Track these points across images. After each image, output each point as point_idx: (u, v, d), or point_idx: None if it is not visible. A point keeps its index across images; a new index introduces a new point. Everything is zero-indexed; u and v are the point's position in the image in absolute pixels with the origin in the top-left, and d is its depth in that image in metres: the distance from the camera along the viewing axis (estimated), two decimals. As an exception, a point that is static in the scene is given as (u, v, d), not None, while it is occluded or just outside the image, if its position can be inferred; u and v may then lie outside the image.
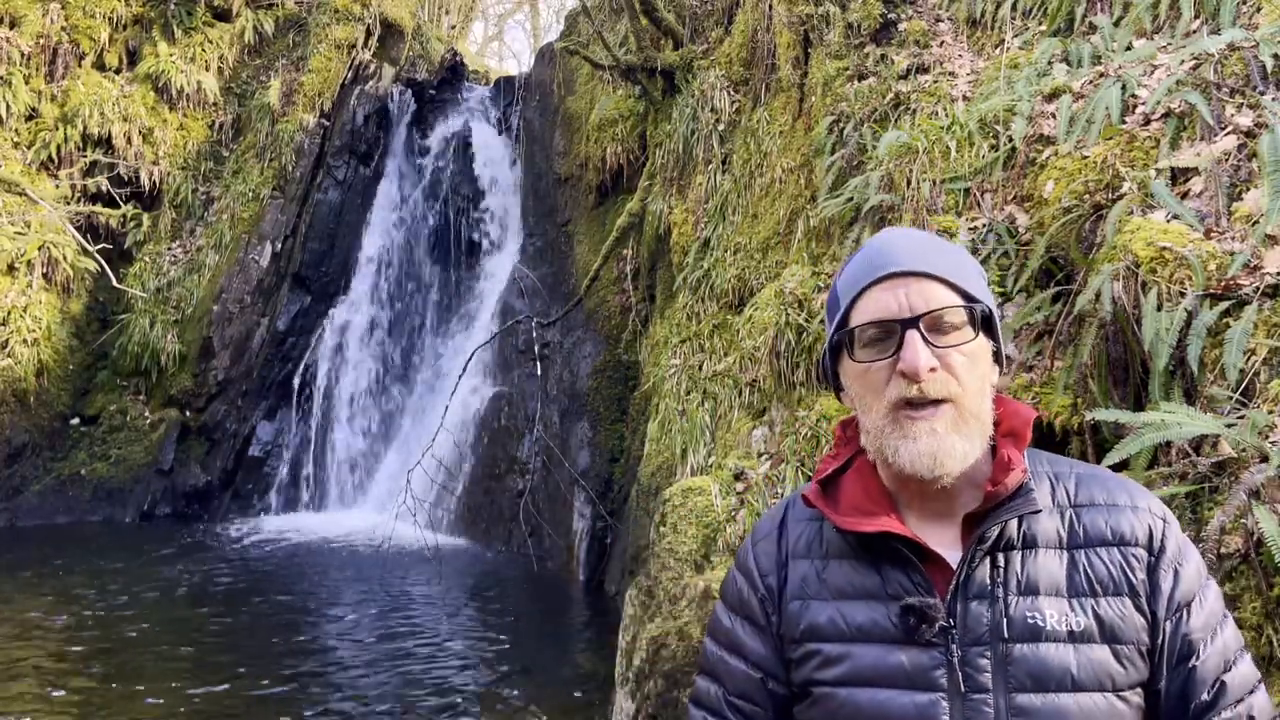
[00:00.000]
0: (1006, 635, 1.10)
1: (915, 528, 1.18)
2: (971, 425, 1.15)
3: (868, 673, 1.13)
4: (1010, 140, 3.96)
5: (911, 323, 1.15)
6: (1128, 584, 1.13)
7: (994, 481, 1.15)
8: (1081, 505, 1.18)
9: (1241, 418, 2.26)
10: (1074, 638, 1.10)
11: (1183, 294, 2.59)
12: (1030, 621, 1.10)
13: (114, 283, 10.77)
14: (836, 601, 1.19)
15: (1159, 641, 1.12)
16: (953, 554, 1.16)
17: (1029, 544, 1.15)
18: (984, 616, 1.12)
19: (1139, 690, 1.11)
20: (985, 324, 1.21)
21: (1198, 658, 1.12)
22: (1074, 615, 1.11)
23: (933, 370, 1.14)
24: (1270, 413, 2.23)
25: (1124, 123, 3.45)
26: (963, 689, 1.09)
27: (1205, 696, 1.11)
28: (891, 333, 1.17)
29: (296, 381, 11.24)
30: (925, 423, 1.14)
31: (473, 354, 9.36)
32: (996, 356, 1.24)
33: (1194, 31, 3.86)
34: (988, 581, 1.13)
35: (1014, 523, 1.15)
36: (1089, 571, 1.13)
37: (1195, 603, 1.14)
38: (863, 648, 1.15)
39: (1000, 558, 1.14)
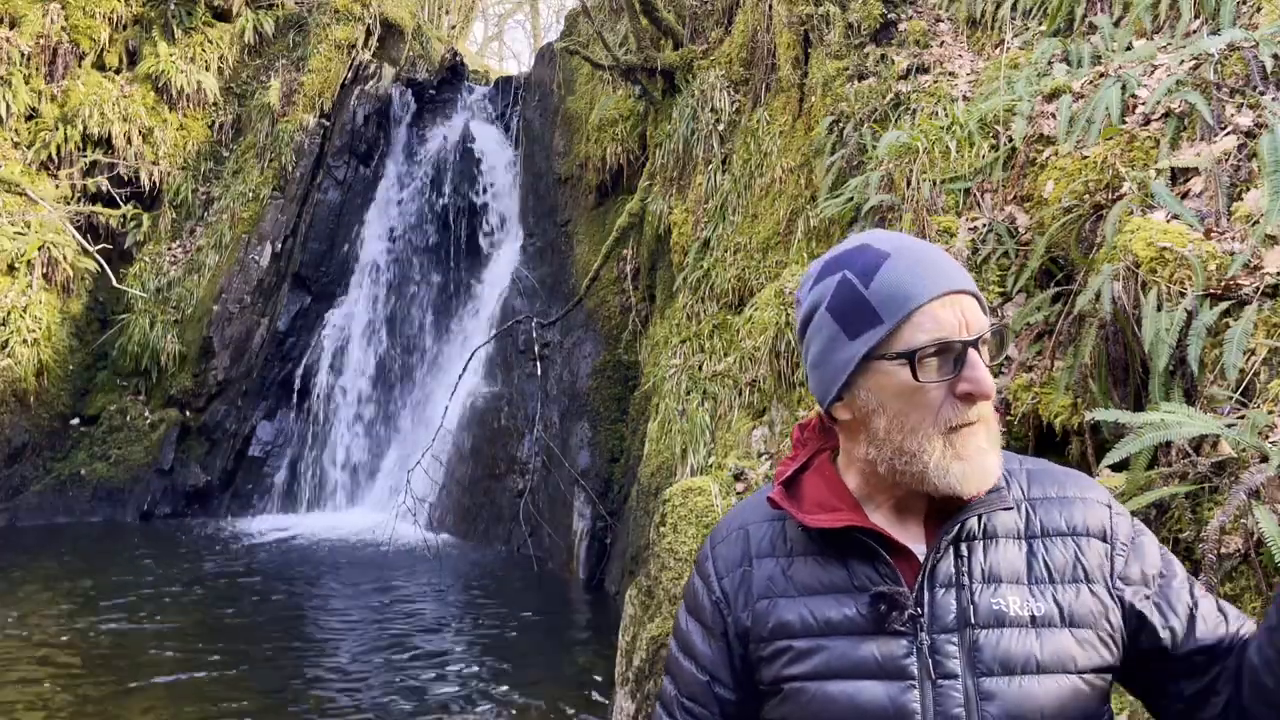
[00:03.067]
0: (973, 621, 1.13)
1: (880, 523, 1.21)
2: (997, 439, 1.19)
3: (838, 664, 1.15)
4: (1010, 140, 3.96)
5: (974, 344, 1.16)
6: (1084, 570, 1.17)
7: None
8: (1035, 499, 1.23)
9: (1241, 418, 2.26)
10: (1036, 623, 1.14)
11: (1183, 294, 2.59)
12: (995, 608, 1.14)
13: (114, 283, 10.77)
14: (804, 598, 1.20)
15: (1154, 617, 1.16)
16: (917, 547, 1.19)
17: (990, 535, 1.19)
18: (951, 605, 1.14)
19: (1106, 675, 1.15)
20: None
21: (1196, 607, 1.17)
22: (1034, 601, 1.15)
23: None
24: (1270, 413, 2.23)
25: (1124, 123, 3.45)
26: (932, 675, 1.12)
27: (1223, 630, 1.17)
28: (949, 351, 1.15)
29: (296, 381, 11.23)
30: (974, 440, 1.16)
31: (473, 354, 9.37)
32: None
33: (1194, 31, 3.86)
34: (953, 571, 1.16)
35: (975, 516, 1.18)
36: (1047, 560, 1.18)
37: (1166, 566, 1.20)
38: (833, 640, 1.16)
39: (963, 548, 1.18)
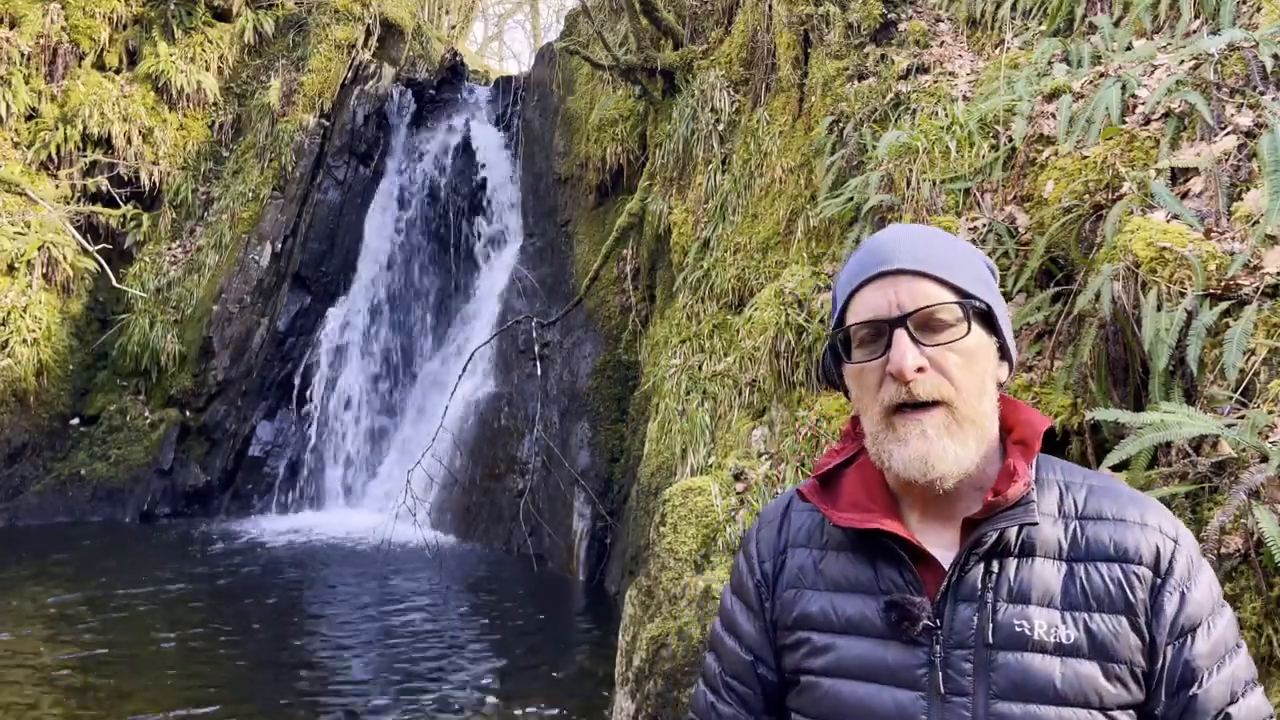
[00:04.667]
0: (991, 641, 1.09)
1: (915, 528, 1.18)
2: (966, 429, 1.13)
3: (852, 665, 1.14)
4: (1010, 140, 3.96)
5: (898, 322, 1.14)
6: (1125, 602, 1.10)
7: (996, 490, 1.13)
8: (1088, 517, 1.15)
9: (1241, 418, 2.26)
10: (1061, 650, 1.08)
11: (1183, 294, 2.59)
12: (1017, 629, 1.09)
13: (114, 283, 10.77)
14: (830, 593, 1.20)
15: (1159, 666, 1.09)
16: (948, 555, 1.15)
17: (1026, 552, 1.13)
18: (971, 620, 1.11)
19: (1131, 712, 1.09)
20: (985, 319, 1.18)
21: (1199, 685, 1.08)
22: (1064, 628, 1.09)
23: (921, 370, 1.12)
24: (1270, 413, 2.23)
25: (1124, 123, 3.45)
26: (943, 690, 1.09)
27: None
28: (881, 333, 1.16)
29: (296, 381, 11.23)
30: (916, 424, 1.12)
31: (473, 354, 9.37)
32: (1004, 353, 1.21)
33: (1194, 31, 3.86)
34: (979, 586, 1.12)
35: (1014, 529, 1.13)
36: (1086, 585, 1.11)
37: (1202, 628, 1.10)
38: (850, 640, 1.16)
39: (995, 563, 1.13)
